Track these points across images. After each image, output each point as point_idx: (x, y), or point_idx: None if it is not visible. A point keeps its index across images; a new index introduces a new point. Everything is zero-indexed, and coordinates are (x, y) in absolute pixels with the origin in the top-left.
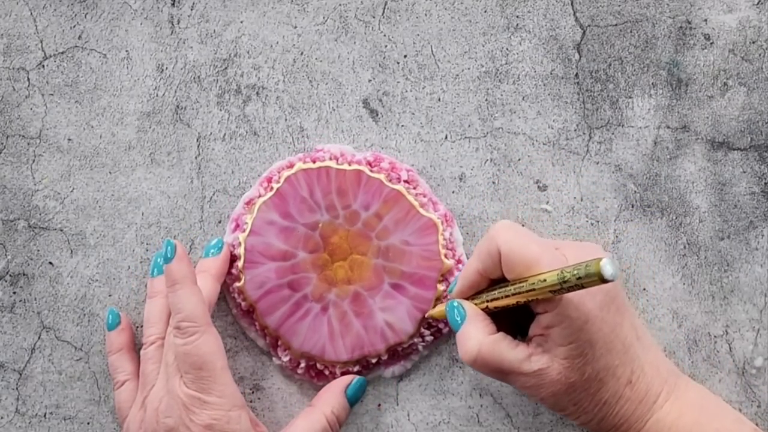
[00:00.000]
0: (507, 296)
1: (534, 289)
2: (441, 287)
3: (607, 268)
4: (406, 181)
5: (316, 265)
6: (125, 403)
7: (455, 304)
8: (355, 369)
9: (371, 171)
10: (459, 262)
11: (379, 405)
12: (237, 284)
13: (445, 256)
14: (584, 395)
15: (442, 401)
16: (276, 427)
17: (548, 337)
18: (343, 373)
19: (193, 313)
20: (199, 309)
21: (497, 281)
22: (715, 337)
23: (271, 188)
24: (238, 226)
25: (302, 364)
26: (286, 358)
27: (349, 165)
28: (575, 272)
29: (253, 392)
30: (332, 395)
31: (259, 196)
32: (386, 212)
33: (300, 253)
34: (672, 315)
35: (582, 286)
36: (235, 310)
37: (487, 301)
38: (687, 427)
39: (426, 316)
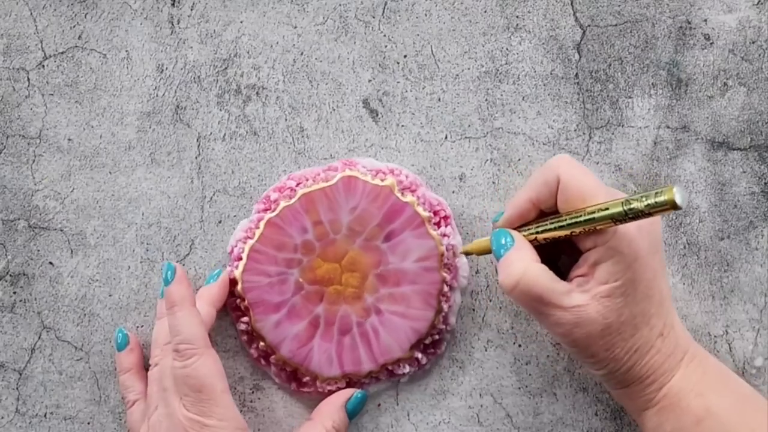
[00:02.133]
0: (561, 226)
1: (593, 219)
2: (443, 304)
3: (680, 195)
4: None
5: (312, 295)
6: (136, 423)
7: (503, 231)
8: (341, 384)
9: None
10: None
11: (379, 405)
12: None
13: (446, 268)
14: (618, 339)
15: (442, 401)
16: (276, 427)
17: (592, 276)
18: (284, 370)
19: (191, 336)
20: (198, 331)
21: (544, 215)
22: (715, 337)
23: (257, 228)
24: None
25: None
26: (242, 327)
27: (326, 182)
28: (644, 199)
29: (253, 392)
30: (333, 408)
31: (247, 238)
32: (375, 209)
33: (293, 298)
34: None
35: (649, 214)
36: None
37: (536, 233)
38: (711, 385)
39: (460, 251)
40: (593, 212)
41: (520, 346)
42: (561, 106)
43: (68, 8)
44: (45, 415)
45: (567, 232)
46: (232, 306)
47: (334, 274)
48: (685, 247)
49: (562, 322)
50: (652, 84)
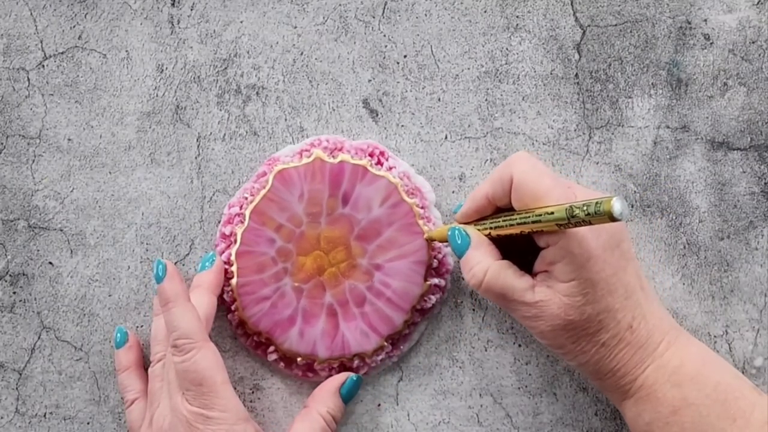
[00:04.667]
0: (512, 225)
1: (540, 221)
2: (426, 229)
3: (617, 207)
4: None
5: (308, 290)
6: (136, 422)
7: (457, 229)
8: (388, 349)
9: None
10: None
11: (379, 405)
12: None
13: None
14: (583, 334)
15: (442, 401)
16: (276, 427)
17: (551, 273)
18: (333, 368)
19: (188, 330)
20: (194, 325)
21: (502, 211)
22: (715, 337)
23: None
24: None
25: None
26: (273, 357)
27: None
28: (584, 208)
29: (253, 392)
30: (327, 394)
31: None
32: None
33: (300, 304)
34: (672, 315)
35: (590, 222)
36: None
37: (491, 228)
38: (688, 376)
39: (425, 237)
40: (540, 214)
41: (520, 346)
42: (561, 106)
43: (68, 8)
44: (45, 415)
45: (517, 230)
46: (254, 345)
47: (321, 261)
48: (685, 247)
49: (528, 315)
50: (652, 84)
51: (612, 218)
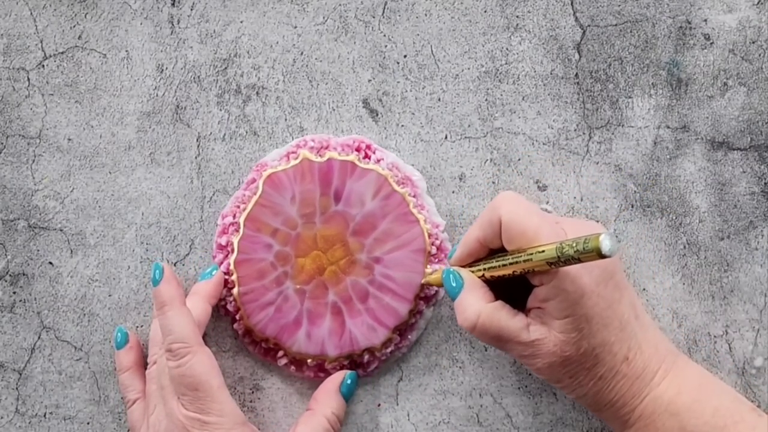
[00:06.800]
0: (504, 266)
1: (531, 260)
2: (421, 217)
3: (606, 244)
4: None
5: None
6: (137, 422)
7: (451, 271)
8: (396, 340)
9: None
10: (422, 208)
11: (379, 405)
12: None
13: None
14: (580, 369)
15: (442, 401)
16: (276, 427)
17: (545, 310)
18: (344, 366)
19: (183, 334)
20: (189, 329)
21: (497, 252)
22: (715, 337)
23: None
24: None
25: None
26: (283, 362)
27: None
28: (574, 245)
29: (253, 392)
30: (328, 396)
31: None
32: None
33: (304, 306)
34: (672, 315)
35: (579, 260)
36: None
37: (484, 270)
38: (686, 404)
39: (423, 281)
40: (531, 254)
41: None
42: (561, 106)
43: (68, 8)
44: (45, 415)
45: (509, 271)
46: (263, 352)
47: (320, 261)
48: (685, 247)
49: (524, 354)
50: (652, 84)
51: (601, 255)
